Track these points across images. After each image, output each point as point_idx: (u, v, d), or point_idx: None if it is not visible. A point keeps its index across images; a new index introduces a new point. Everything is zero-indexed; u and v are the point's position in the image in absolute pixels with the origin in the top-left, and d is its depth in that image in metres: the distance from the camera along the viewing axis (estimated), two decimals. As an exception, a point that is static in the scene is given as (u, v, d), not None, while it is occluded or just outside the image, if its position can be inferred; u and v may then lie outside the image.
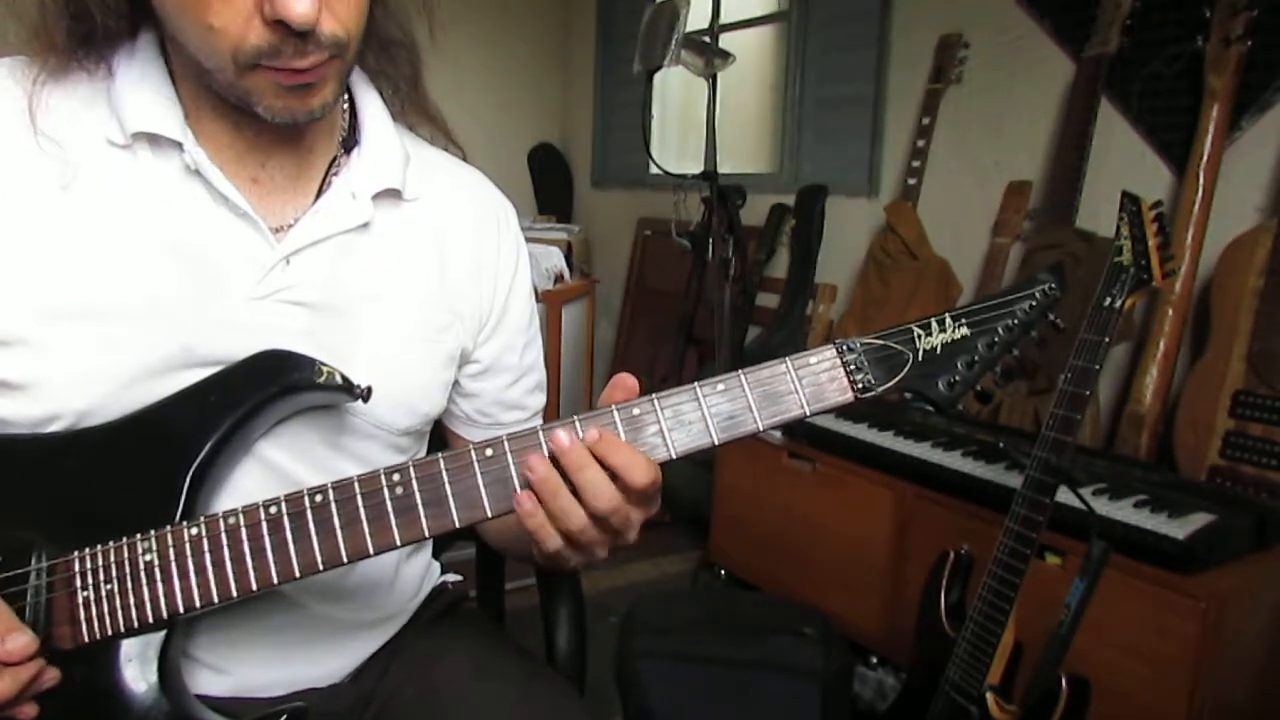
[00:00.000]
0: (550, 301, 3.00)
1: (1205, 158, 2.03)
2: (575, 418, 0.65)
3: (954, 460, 1.87)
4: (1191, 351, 2.09)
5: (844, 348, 0.66)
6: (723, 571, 2.51)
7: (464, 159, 0.90)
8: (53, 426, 0.68)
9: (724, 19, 2.93)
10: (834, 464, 2.14)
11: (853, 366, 0.66)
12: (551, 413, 0.96)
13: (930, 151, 2.76)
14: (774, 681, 1.65)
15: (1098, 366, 1.24)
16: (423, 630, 0.91)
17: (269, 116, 0.67)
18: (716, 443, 0.65)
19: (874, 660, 2.01)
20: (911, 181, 2.78)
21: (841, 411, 2.21)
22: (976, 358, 0.67)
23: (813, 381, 0.65)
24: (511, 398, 0.92)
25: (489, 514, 0.64)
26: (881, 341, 0.66)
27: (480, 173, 0.91)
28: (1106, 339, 1.24)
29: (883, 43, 2.94)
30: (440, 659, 0.86)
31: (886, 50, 2.93)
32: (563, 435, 0.64)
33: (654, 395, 0.65)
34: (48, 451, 0.68)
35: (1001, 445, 1.87)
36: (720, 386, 0.65)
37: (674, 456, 0.64)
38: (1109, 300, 1.24)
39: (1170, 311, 2.05)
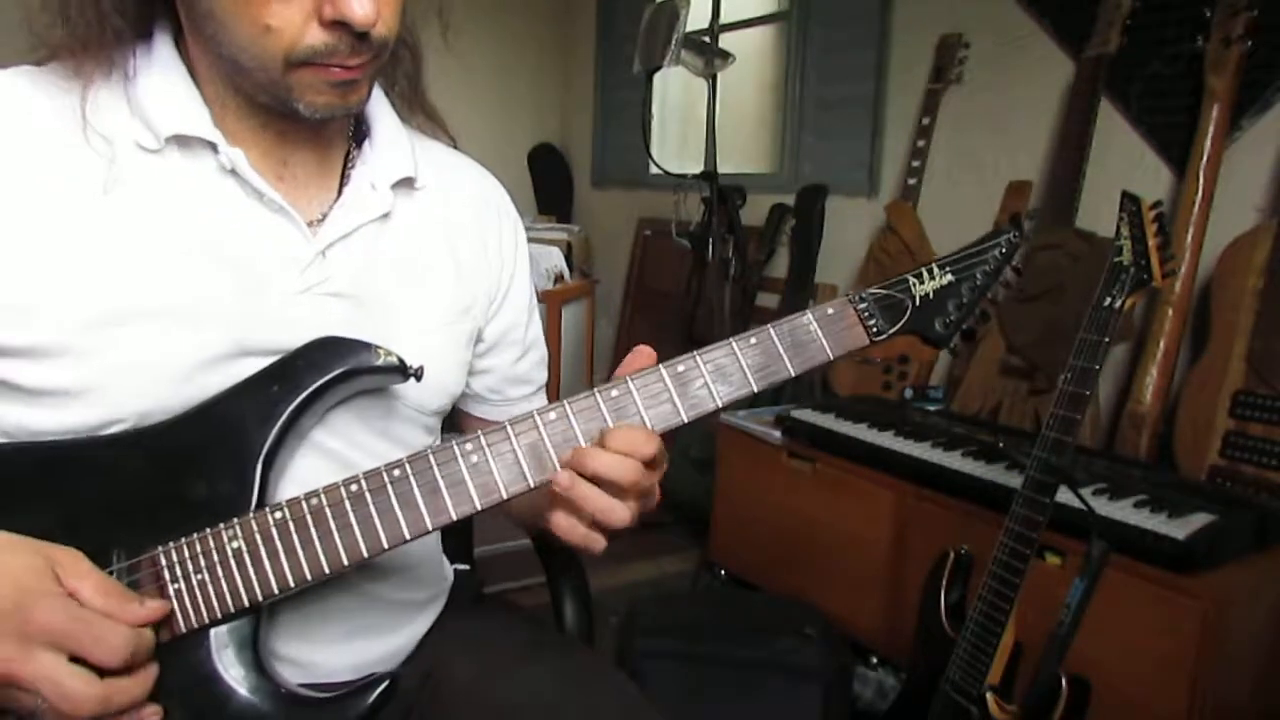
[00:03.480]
0: (550, 301, 3.00)
1: (1205, 158, 2.03)
2: (627, 377, 0.70)
3: (954, 460, 1.87)
4: (1191, 351, 2.09)
5: (855, 298, 0.73)
6: (723, 571, 2.51)
7: (455, 147, 0.93)
8: (113, 429, 0.69)
9: (724, 19, 2.94)
10: (834, 464, 2.13)
11: (866, 314, 0.73)
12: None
13: (930, 151, 2.76)
14: (774, 681, 1.65)
15: (1098, 366, 1.24)
16: (464, 613, 0.94)
17: (309, 113, 0.69)
18: (755, 390, 0.71)
19: (874, 660, 2.01)
20: (911, 181, 2.78)
21: (841, 411, 2.21)
22: (963, 299, 0.76)
23: (832, 330, 0.73)
24: (519, 372, 0.95)
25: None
26: (885, 291, 0.74)
27: (471, 159, 0.94)
28: (1106, 339, 1.24)
29: (883, 43, 2.94)
30: (486, 642, 0.90)
31: (886, 50, 2.93)
32: (568, 451, 0.69)
33: (695, 352, 0.71)
34: (113, 451, 0.69)
35: (1001, 445, 1.87)
36: (753, 340, 0.71)
37: (720, 406, 0.70)
38: (1109, 300, 1.24)
39: (1170, 311, 2.05)
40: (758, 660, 1.67)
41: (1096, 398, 2.18)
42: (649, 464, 0.69)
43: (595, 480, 0.67)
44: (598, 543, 0.70)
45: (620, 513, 0.68)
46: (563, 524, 0.69)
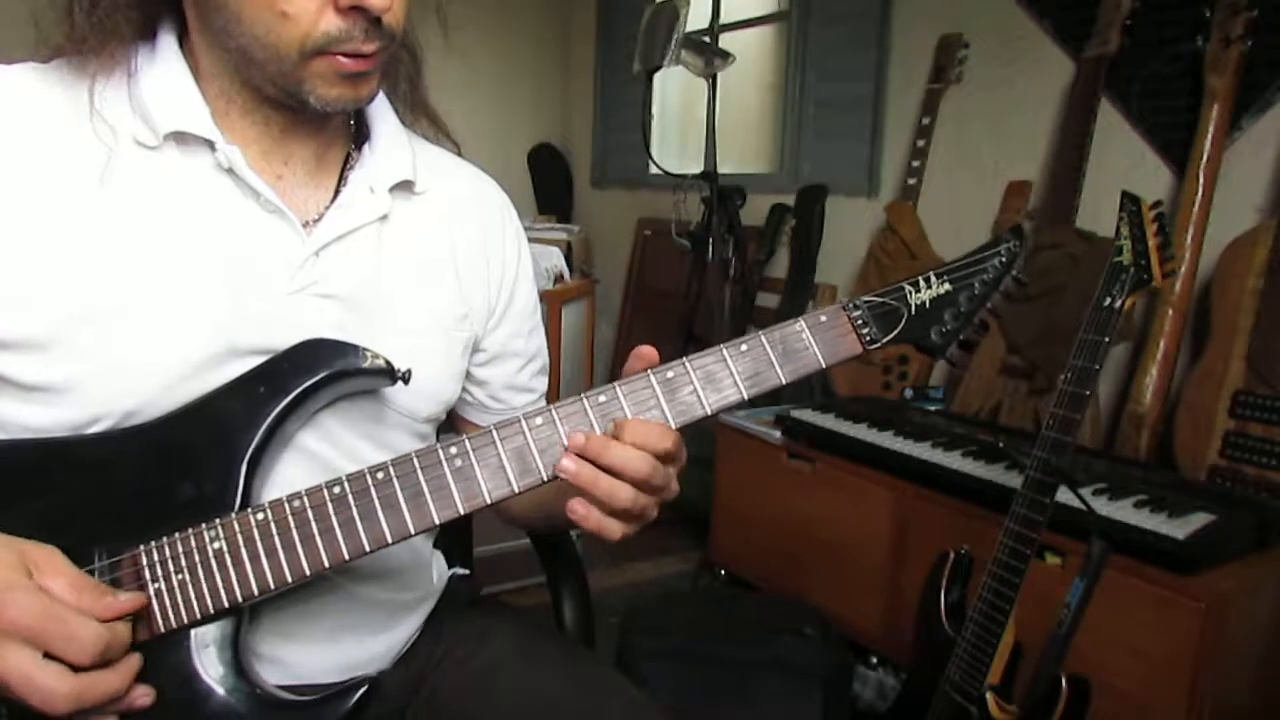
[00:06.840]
0: (550, 301, 3.00)
1: (1205, 158, 2.03)
2: (615, 383, 0.69)
3: (954, 460, 1.87)
4: (1191, 351, 2.09)
5: (850, 305, 0.72)
6: (723, 571, 2.51)
7: (459, 154, 0.92)
8: (95, 428, 0.68)
9: (724, 19, 2.94)
10: (834, 464, 2.13)
11: (859, 322, 0.72)
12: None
13: (930, 151, 2.76)
14: (774, 681, 1.65)
15: (1098, 366, 1.24)
16: (460, 615, 0.94)
17: (320, 106, 0.70)
18: (746, 397, 0.71)
19: (874, 660, 2.02)
20: (911, 181, 2.78)
21: (841, 411, 2.21)
22: (960, 309, 0.74)
23: (825, 337, 0.72)
24: (519, 382, 0.95)
25: (543, 478, 0.68)
26: (881, 299, 0.73)
27: (476, 166, 0.94)
28: (1106, 339, 1.24)
29: (883, 43, 2.94)
30: (484, 642, 0.89)
31: (886, 50, 2.93)
32: (579, 436, 0.67)
33: (685, 359, 0.70)
34: (99, 450, 0.68)
35: (1001, 445, 1.87)
36: (743, 347, 0.71)
37: (709, 413, 0.70)
38: (1109, 300, 1.24)
39: (1170, 311, 2.05)
40: (758, 660, 1.67)
41: (1096, 398, 2.18)
42: (664, 459, 0.68)
43: (609, 472, 0.66)
44: (612, 529, 0.69)
45: (624, 495, 0.67)
46: (578, 510, 0.68)
